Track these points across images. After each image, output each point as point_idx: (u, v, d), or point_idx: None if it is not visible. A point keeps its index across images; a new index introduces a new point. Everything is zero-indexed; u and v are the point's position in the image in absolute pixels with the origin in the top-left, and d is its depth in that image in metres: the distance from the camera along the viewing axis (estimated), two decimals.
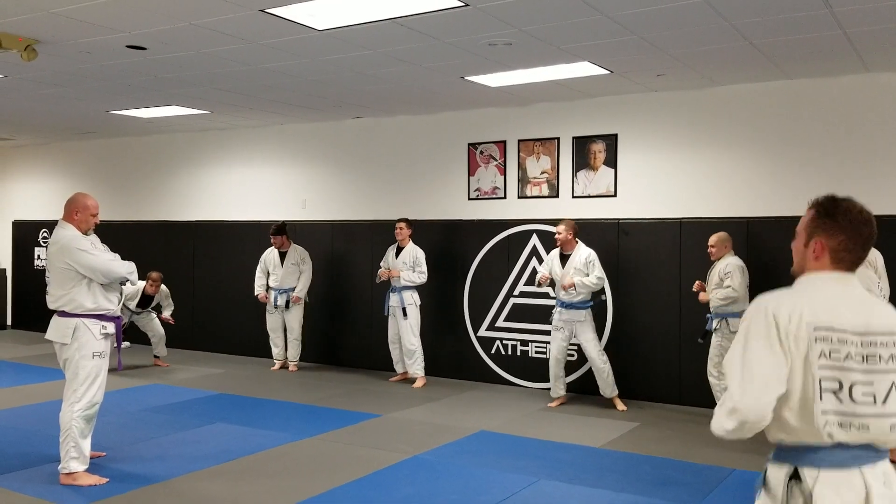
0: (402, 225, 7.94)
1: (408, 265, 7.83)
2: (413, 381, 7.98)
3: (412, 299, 7.87)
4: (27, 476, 4.88)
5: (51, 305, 4.98)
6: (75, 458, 4.69)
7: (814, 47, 5.62)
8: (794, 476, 2.00)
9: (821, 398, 1.95)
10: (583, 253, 6.89)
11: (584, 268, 6.83)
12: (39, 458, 5.27)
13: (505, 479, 4.89)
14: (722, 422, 2.01)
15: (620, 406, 6.88)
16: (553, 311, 7.07)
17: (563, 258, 6.98)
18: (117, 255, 5.07)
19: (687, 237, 7.11)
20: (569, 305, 6.88)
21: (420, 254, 7.88)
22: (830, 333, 1.97)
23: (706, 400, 6.83)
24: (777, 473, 2.04)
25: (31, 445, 5.60)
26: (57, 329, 4.93)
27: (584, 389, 7.40)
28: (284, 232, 8.69)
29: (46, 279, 5.17)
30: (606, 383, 6.90)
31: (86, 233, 5.06)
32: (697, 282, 6.51)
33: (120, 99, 7.90)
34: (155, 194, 10.78)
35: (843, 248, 2.07)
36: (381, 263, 8.10)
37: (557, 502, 4.53)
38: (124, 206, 11.05)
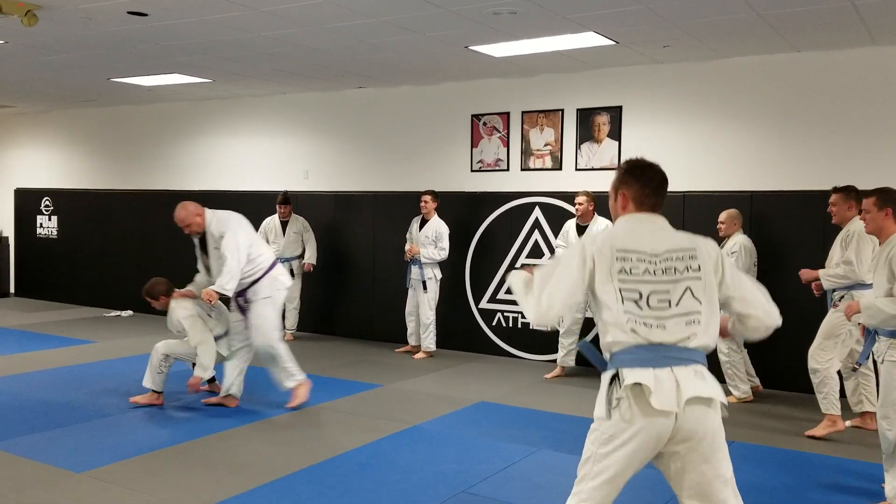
0: (428, 198, 7.78)
1: (430, 239, 7.76)
2: (415, 352, 8.01)
3: (432, 273, 7.81)
4: (31, 441, 4.93)
5: None
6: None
7: (821, 19, 5.56)
8: (616, 377, 2.47)
9: (622, 303, 2.47)
10: (600, 224, 6.86)
11: None
12: (43, 423, 5.32)
13: (505, 449, 4.93)
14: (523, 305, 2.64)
15: None
16: None
17: (580, 229, 6.94)
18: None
19: (690, 211, 7.09)
20: None
21: (444, 228, 7.78)
22: (628, 254, 2.51)
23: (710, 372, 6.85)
24: (605, 377, 2.52)
25: (36, 411, 5.64)
26: None
27: (584, 360, 7.42)
28: (290, 202, 8.68)
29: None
30: None
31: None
32: None
33: (121, 66, 7.85)
34: (156, 163, 10.75)
35: (641, 195, 2.64)
36: (407, 235, 8.01)
37: (557, 472, 4.57)
38: (126, 175, 11.03)
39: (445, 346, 8.30)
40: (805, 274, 5.49)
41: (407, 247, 7.91)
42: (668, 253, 2.54)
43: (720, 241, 6.47)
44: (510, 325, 8.05)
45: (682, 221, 7.11)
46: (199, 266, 6.07)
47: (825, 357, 5.30)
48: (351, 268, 9.05)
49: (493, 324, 8.15)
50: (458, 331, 8.34)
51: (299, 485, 4.28)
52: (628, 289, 2.48)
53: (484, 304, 8.21)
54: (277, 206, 8.65)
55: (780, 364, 6.73)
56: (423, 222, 7.87)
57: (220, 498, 4.04)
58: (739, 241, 6.24)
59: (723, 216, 6.36)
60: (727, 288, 2.60)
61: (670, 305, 2.48)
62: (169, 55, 7.22)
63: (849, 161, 6.48)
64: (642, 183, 2.65)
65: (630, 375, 2.42)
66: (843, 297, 5.23)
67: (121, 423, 5.40)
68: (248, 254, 5.70)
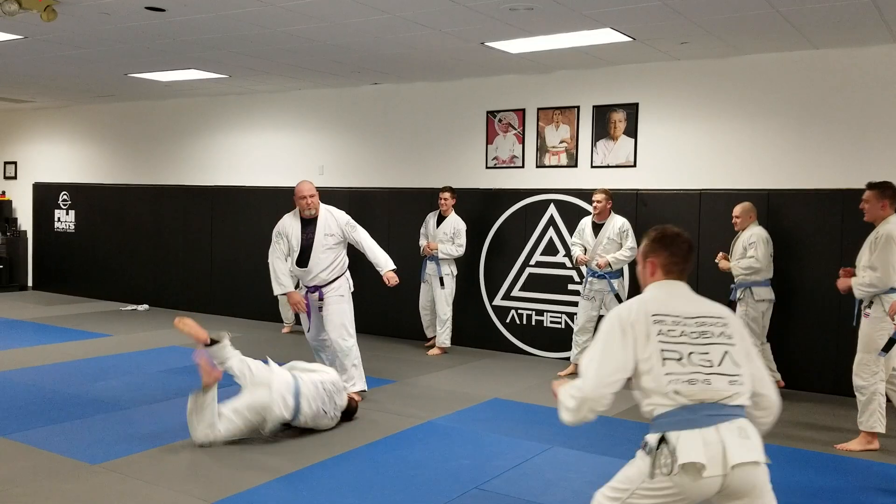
0: (447, 195, 7.78)
1: (448, 235, 7.77)
2: (430, 347, 8.01)
3: (449, 269, 7.82)
4: (48, 433, 4.97)
5: None
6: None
7: (840, 15, 5.50)
8: (662, 441, 2.43)
9: (663, 364, 2.48)
10: (617, 222, 6.83)
11: (618, 237, 6.78)
12: (59, 415, 5.37)
13: (518, 446, 4.93)
14: (565, 404, 2.56)
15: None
16: (584, 281, 7.02)
17: (596, 227, 6.91)
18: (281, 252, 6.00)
19: (706, 209, 7.05)
20: (601, 276, 6.84)
21: (461, 225, 7.78)
22: (664, 317, 2.58)
23: None
24: (651, 440, 2.47)
25: (53, 403, 5.69)
26: None
27: None
28: None
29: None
30: None
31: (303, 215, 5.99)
32: (720, 253, 6.47)
33: (139, 62, 7.89)
34: (173, 158, 10.81)
35: (670, 263, 2.78)
36: (422, 230, 8.03)
37: (570, 469, 4.56)
38: (143, 170, 11.11)
39: (459, 342, 8.30)
40: (841, 284, 5.19)
41: (423, 243, 7.92)
42: (701, 318, 2.62)
43: (733, 234, 6.43)
44: (524, 322, 8.04)
45: (699, 219, 7.07)
46: (280, 256, 5.94)
47: (870, 371, 4.92)
48: (365, 263, 9.05)
49: (507, 321, 8.14)
50: (471, 328, 8.33)
51: (314, 479, 4.29)
52: (669, 349, 2.51)
53: (498, 301, 8.20)
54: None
55: (796, 363, 6.67)
56: (441, 219, 7.87)
57: (234, 491, 4.06)
58: (756, 233, 6.22)
59: (737, 210, 6.34)
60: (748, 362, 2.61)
61: (712, 365, 2.50)
62: (186, 50, 7.25)
63: (867, 159, 6.41)
64: (671, 251, 2.80)
65: (681, 446, 2.38)
66: (871, 303, 4.94)
67: (136, 415, 5.44)
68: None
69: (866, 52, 6.39)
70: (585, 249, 6.93)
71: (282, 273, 5.94)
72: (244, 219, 10.04)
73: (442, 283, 7.79)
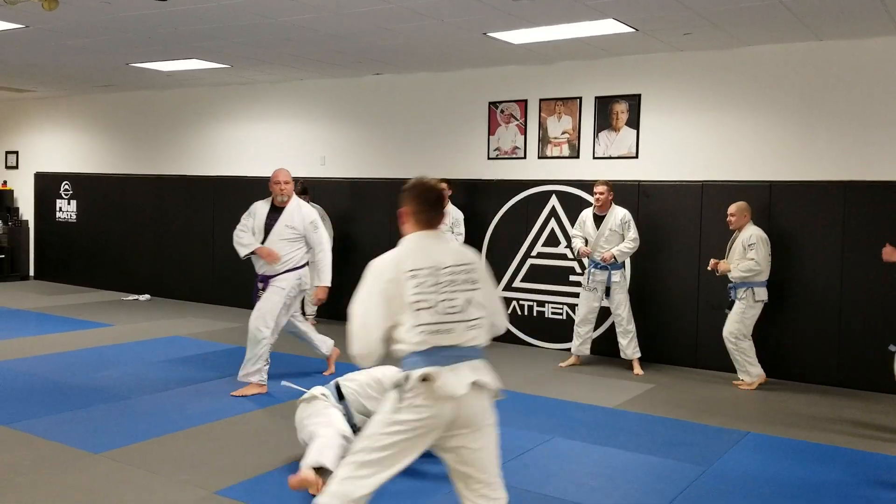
0: (444, 186, 7.81)
1: (446, 226, 7.79)
2: None
3: None
4: (50, 422, 4.99)
5: None
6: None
7: (844, 6, 5.48)
8: (407, 378, 2.70)
9: (416, 315, 2.71)
10: (618, 213, 6.82)
11: (620, 228, 6.77)
12: (62, 405, 5.38)
13: (519, 437, 4.93)
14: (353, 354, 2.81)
15: (638, 370, 6.88)
16: (586, 272, 7.02)
17: (597, 219, 6.90)
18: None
19: (708, 200, 7.04)
20: (603, 267, 6.84)
21: (459, 215, 7.83)
22: (419, 271, 2.75)
23: (722, 363, 6.83)
24: (399, 377, 2.74)
25: (55, 393, 5.71)
26: None
27: (600, 351, 7.41)
28: (308, 192, 8.72)
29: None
30: (632, 344, 6.90)
31: (276, 201, 5.99)
32: (712, 260, 6.44)
33: (140, 51, 7.87)
34: (175, 148, 10.80)
35: (418, 211, 2.89)
36: None
37: (571, 460, 4.57)
38: (144, 160, 11.10)
39: None
40: (888, 253, 4.95)
41: None
42: (451, 266, 2.82)
43: (730, 232, 6.41)
44: (525, 313, 8.04)
45: (701, 211, 7.06)
46: (245, 229, 6.04)
47: None
48: (367, 254, 9.01)
49: (509, 312, 8.14)
50: None
51: None
52: (422, 300, 2.74)
53: (499, 292, 8.20)
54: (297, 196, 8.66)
55: (798, 354, 6.67)
56: None
57: (236, 480, 4.08)
58: (755, 233, 6.20)
59: (732, 209, 6.32)
60: (487, 300, 2.92)
61: (456, 312, 2.77)
62: (187, 40, 7.23)
63: (870, 152, 6.40)
64: (419, 200, 2.93)
65: (423, 379, 2.69)
66: None
67: (138, 405, 5.46)
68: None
69: (870, 44, 6.37)
70: (587, 241, 6.93)
71: (245, 237, 5.98)
72: (246, 209, 10.01)
73: None
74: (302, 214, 5.95)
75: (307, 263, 6.08)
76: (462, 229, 7.80)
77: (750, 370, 6.31)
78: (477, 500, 2.82)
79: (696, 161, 7.16)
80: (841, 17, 5.74)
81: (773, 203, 6.70)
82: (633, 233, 6.76)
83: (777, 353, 6.68)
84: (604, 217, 6.86)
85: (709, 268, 6.47)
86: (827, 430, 5.32)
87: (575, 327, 7.10)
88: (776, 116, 6.80)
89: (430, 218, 2.93)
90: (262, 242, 5.92)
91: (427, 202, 2.93)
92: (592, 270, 6.91)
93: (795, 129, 6.72)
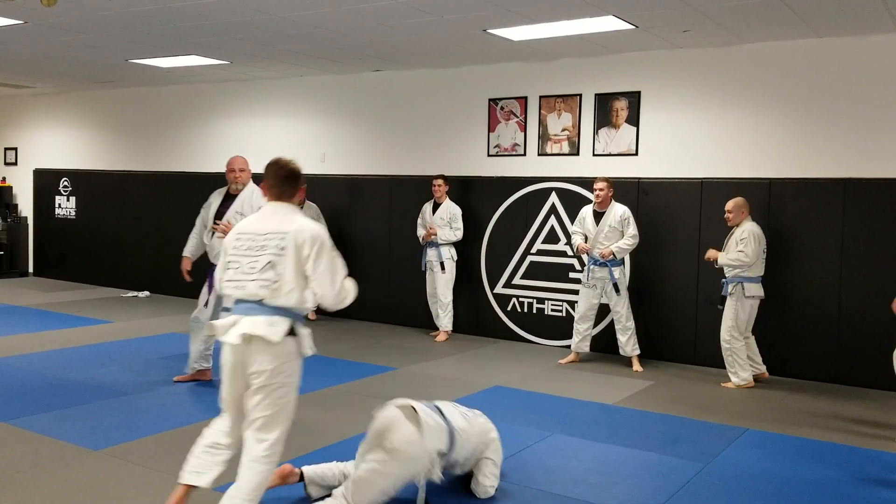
0: (440, 181, 7.91)
1: (445, 221, 7.86)
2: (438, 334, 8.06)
3: (450, 254, 7.91)
4: (49, 419, 4.99)
5: None
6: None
7: (844, 4, 5.47)
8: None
9: (226, 272, 3.37)
10: (618, 210, 6.82)
11: (620, 225, 6.77)
12: (61, 402, 5.38)
13: (518, 433, 4.94)
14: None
15: (637, 366, 6.89)
16: (586, 268, 7.02)
17: (597, 216, 6.90)
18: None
19: (707, 197, 7.04)
20: (602, 264, 6.84)
21: (457, 210, 7.90)
22: (243, 235, 3.38)
23: (721, 360, 6.84)
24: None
25: (54, 389, 5.71)
26: None
27: (599, 348, 7.41)
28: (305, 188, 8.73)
29: None
30: (631, 341, 6.91)
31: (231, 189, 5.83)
32: (711, 249, 6.43)
33: (139, 47, 7.86)
34: (174, 145, 10.79)
35: (268, 185, 3.46)
36: (419, 220, 8.09)
37: (570, 456, 4.58)
38: (143, 157, 11.09)
39: (460, 330, 8.31)
40: None
41: (421, 231, 7.95)
42: (268, 234, 3.31)
43: (729, 229, 6.40)
44: (525, 310, 8.04)
45: (700, 208, 7.06)
46: (197, 226, 6.02)
47: None
48: (367, 250, 9.06)
49: (508, 309, 8.14)
50: (472, 315, 8.34)
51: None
52: (233, 260, 3.36)
53: (499, 290, 8.20)
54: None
55: (796, 352, 6.68)
56: (436, 206, 7.93)
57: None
58: (748, 228, 6.20)
59: (729, 205, 6.31)
60: (308, 270, 3.28)
61: (254, 271, 3.28)
62: (187, 36, 7.22)
63: (870, 149, 6.40)
64: (269, 175, 3.47)
65: (218, 323, 3.35)
66: None
67: (137, 402, 5.46)
68: None
69: (869, 41, 6.36)
70: (586, 238, 6.93)
71: (190, 242, 5.97)
72: None
73: (443, 268, 7.83)
74: (252, 202, 5.65)
75: None
76: (460, 224, 7.84)
77: (739, 372, 6.27)
78: (249, 434, 3.31)
79: (696, 158, 7.16)
80: (841, 14, 5.74)
81: (772, 200, 6.70)
82: (632, 229, 6.76)
83: (775, 350, 6.68)
84: (603, 214, 6.85)
85: (705, 257, 6.46)
86: (826, 427, 5.32)
87: (574, 324, 7.11)
88: (776, 114, 6.79)
89: (280, 192, 3.43)
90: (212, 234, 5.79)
91: (276, 178, 3.43)
92: (592, 267, 6.91)
93: (795, 126, 6.72)
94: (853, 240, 6.44)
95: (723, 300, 6.38)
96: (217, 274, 3.44)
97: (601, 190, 6.81)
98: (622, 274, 6.93)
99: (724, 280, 6.37)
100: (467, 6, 5.80)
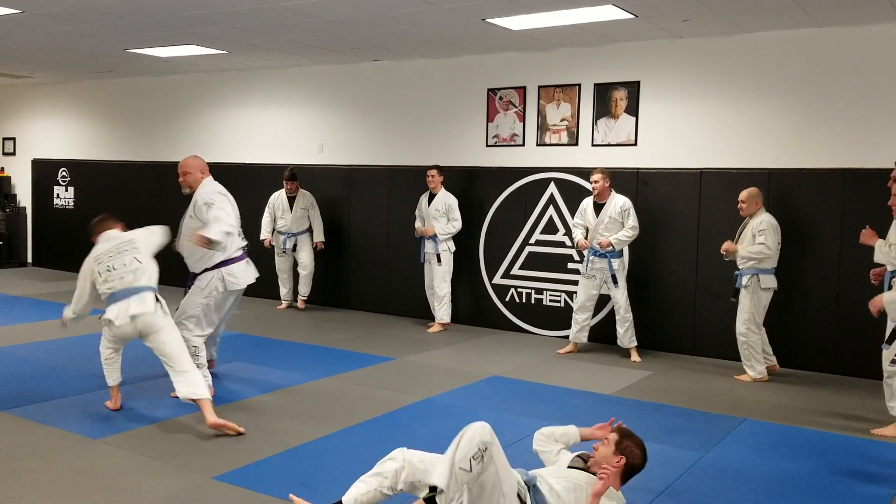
0: (434, 172, 7.85)
1: (441, 212, 7.82)
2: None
3: (447, 246, 7.88)
4: (48, 408, 5.00)
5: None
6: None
7: None
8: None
9: (101, 276, 4.89)
10: (618, 201, 6.80)
11: (619, 216, 6.76)
12: (60, 391, 5.39)
13: (516, 422, 4.95)
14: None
15: (635, 357, 6.90)
16: (585, 259, 7.01)
17: (597, 206, 6.89)
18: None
19: (707, 188, 7.03)
20: (602, 255, 6.84)
21: (452, 200, 7.85)
22: (102, 255, 4.94)
23: (719, 350, 6.86)
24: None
25: (53, 379, 5.72)
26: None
27: (597, 338, 7.43)
28: (297, 177, 8.75)
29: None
30: (629, 333, 6.92)
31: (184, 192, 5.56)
32: (727, 241, 6.31)
33: (137, 37, 7.83)
34: (172, 135, 10.77)
35: (104, 222, 5.25)
36: (416, 212, 8.08)
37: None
38: (142, 147, 11.06)
39: (458, 320, 8.32)
40: (866, 237, 5.07)
41: (419, 224, 7.96)
42: (119, 244, 4.96)
43: (734, 220, 6.37)
44: (523, 300, 8.05)
45: (699, 198, 7.06)
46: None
47: None
48: (365, 240, 9.07)
49: (507, 299, 8.15)
50: (471, 306, 8.35)
51: (313, 454, 4.32)
52: (103, 269, 4.87)
53: (498, 280, 8.20)
54: (284, 182, 8.73)
55: (796, 343, 6.68)
56: (431, 197, 7.91)
57: (234, 466, 4.09)
58: (765, 220, 6.11)
59: (743, 195, 6.25)
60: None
61: (125, 266, 4.85)
62: (185, 26, 7.20)
63: (870, 139, 6.39)
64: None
65: (108, 311, 4.82)
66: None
67: (137, 391, 5.46)
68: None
69: (870, 31, 6.34)
70: (587, 230, 6.92)
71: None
72: (243, 196, 9.93)
73: (439, 260, 7.82)
74: (202, 196, 5.27)
75: (238, 259, 5.35)
76: (457, 214, 7.82)
77: (755, 366, 6.18)
78: (173, 374, 4.69)
79: (695, 148, 7.15)
80: (841, 3, 5.72)
81: (772, 190, 6.69)
82: (632, 221, 6.75)
83: (775, 341, 6.68)
84: (604, 205, 6.85)
85: (722, 249, 6.32)
86: (824, 417, 5.34)
87: (574, 314, 7.12)
88: (775, 104, 6.78)
89: (115, 224, 5.20)
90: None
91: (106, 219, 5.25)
92: (591, 258, 6.91)
93: (795, 116, 6.71)
94: (853, 230, 6.44)
95: (736, 293, 6.31)
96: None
97: (597, 181, 6.80)
98: (621, 265, 6.93)
99: (737, 272, 6.25)
100: None
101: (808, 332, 6.66)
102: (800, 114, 6.68)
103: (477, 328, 8.18)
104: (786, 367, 6.65)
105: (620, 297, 6.86)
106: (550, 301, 7.87)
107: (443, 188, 7.91)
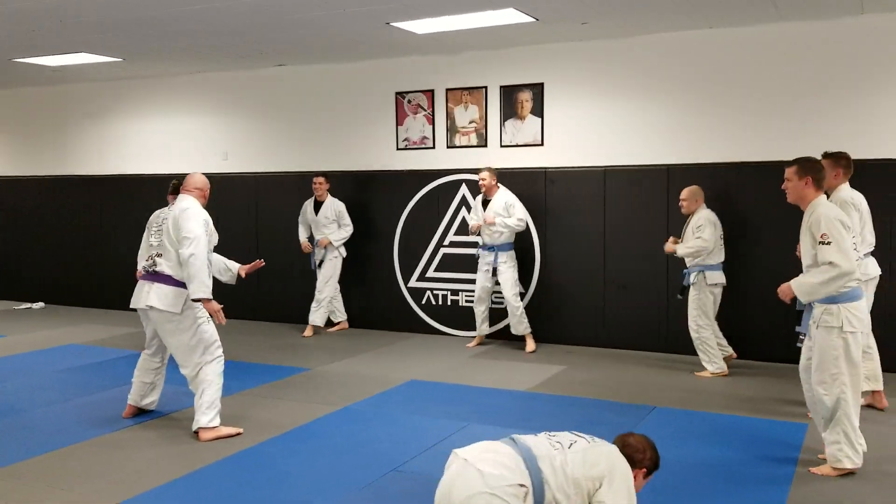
0: (321, 179, 7.94)
1: (330, 219, 7.90)
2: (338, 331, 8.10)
3: (338, 252, 7.98)
4: None
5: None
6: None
7: None
8: None
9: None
10: (502, 197, 7.11)
11: (504, 211, 7.06)
12: None
13: (435, 425, 4.94)
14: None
15: (531, 346, 7.16)
16: (478, 254, 7.33)
17: (485, 203, 7.20)
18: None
19: (611, 185, 7.22)
20: (491, 248, 7.12)
21: (341, 206, 7.98)
22: (151, 222, 5.28)
23: (628, 341, 7.06)
24: None
25: None
26: (166, 297, 4.73)
27: (512, 337, 7.50)
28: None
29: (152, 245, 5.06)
30: (519, 321, 7.21)
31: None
32: (671, 237, 6.42)
33: (24, 46, 7.44)
34: (67, 147, 10.27)
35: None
36: (299, 219, 8.13)
37: None
38: (34, 161, 10.52)
39: (376, 326, 8.27)
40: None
41: (305, 236, 8.05)
42: (161, 221, 5.02)
43: (684, 218, 6.49)
44: (440, 302, 8.06)
45: (604, 195, 7.24)
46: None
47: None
48: (272, 249, 8.87)
49: (423, 302, 8.14)
50: (387, 310, 8.30)
51: (225, 473, 4.18)
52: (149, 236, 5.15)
53: (413, 283, 8.18)
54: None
55: (749, 334, 6.76)
56: (318, 204, 7.97)
57: (137, 492, 3.92)
58: (704, 216, 6.23)
59: (684, 193, 6.34)
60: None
61: (154, 246, 4.93)
62: (74, 34, 6.88)
63: (760, 134, 6.69)
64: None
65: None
66: None
67: (34, 418, 5.18)
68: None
69: (756, 31, 6.64)
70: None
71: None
72: (144, 208, 9.60)
73: (320, 265, 7.96)
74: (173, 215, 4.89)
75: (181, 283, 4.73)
76: (348, 220, 7.99)
77: (714, 361, 6.24)
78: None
79: (599, 147, 7.32)
80: (730, 4, 5.96)
81: (670, 185, 6.91)
82: (519, 213, 7.07)
83: (730, 334, 6.65)
84: (490, 201, 7.14)
85: (665, 249, 6.38)
86: (735, 403, 5.54)
87: (474, 306, 7.42)
88: (671, 101, 7.02)
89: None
90: None
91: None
92: (482, 252, 7.26)
93: (689, 113, 6.96)
94: (749, 217, 6.73)
95: (684, 290, 6.40)
96: None
97: (484, 179, 7.12)
98: (509, 259, 7.16)
99: (685, 270, 6.36)
100: None
101: (761, 323, 6.68)
102: (693, 110, 6.94)
103: (393, 333, 8.14)
104: (745, 358, 6.70)
105: (506, 290, 7.12)
106: (466, 301, 7.90)
107: (329, 195, 7.94)
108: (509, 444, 3.01)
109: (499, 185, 7.18)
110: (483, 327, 7.41)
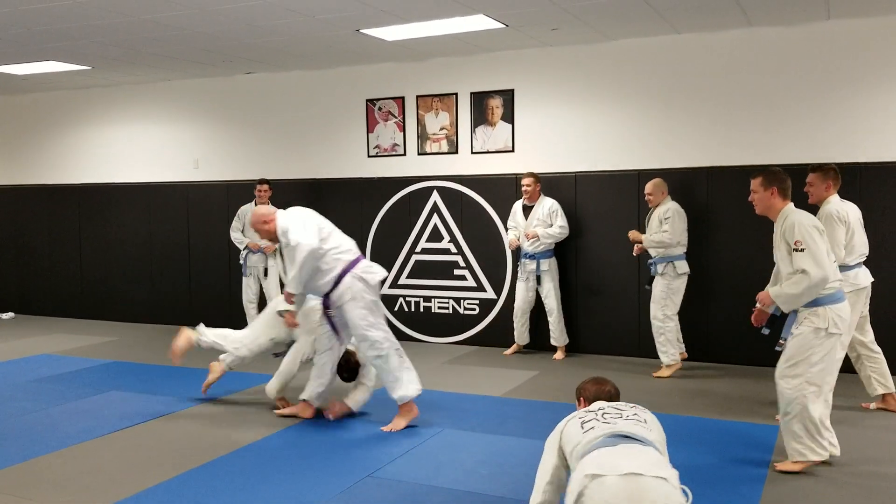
0: (265, 187, 7.87)
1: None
2: None
3: (276, 260, 7.97)
4: None
5: None
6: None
7: (700, 2, 5.80)
8: None
9: None
10: (546, 203, 7.04)
11: (548, 218, 6.99)
12: None
13: (408, 432, 4.95)
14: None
15: (560, 355, 7.14)
16: (519, 263, 7.23)
17: (526, 210, 7.10)
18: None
19: (581, 190, 7.29)
20: (532, 256, 7.04)
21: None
22: None
23: (601, 346, 7.12)
24: None
25: None
26: None
27: (484, 342, 7.54)
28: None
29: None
30: (562, 331, 7.17)
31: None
32: (633, 230, 6.55)
33: None
34: (36, 156, 10.15)
35: None
36: (234, 223, 8.07)
37: (461, 450, 4.63)
38: (2, 170, 10.37)
39: None
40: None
41: (244, 239, 7.98)
42: None
43: (650, 211, 6.59)
44: (412, 309, 8.07)
45: (575, 200, 7.31)
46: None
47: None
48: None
49: (395, 309, 8.15)
50: None
51: (200, 480, 4.16)
52: None
53: (385, 290, 8.18)
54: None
55: (715, 337, 6.85)
56: None
57: (115, 499, 3.88)
58: (671, 207, 6.34)
59: (649, 187, 6.46)
60: None
61: None
62: (42, 41, 6.81)
63: (727, 139, 6.80)
64: None
65: None
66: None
67: (6, 428, 5.10)
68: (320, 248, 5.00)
69: (724, 36, 6.76)
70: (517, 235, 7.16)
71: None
72: (114, 217, 9.57)
73: (266, 274, 7.92)
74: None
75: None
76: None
77: (668, 350, 6.31)
78: None
79: (569, 153, 7.39)
80: (698, 10, 6.06)
81: (640, 189, 6.99)
82: (560, 220, 7.00)
83: (689, 334, 6.78)
84: (532, 207, 7.06)
85: (630, 238, 6.48)
86: (704, 405, 5.61)
87: (515, 318, 7.30)
88: (641, 107, 7.11)
89: None
90: None
91: None
92: (523, 260, 7.13)
93: (660, 119, 7.05)
94: (718, 222, 6.83)
95: (651, 280, 6.47)
96: None
97: (528, 185, 7.03)
98: (552, 266, 7.10)
99: (650, 262, 6.44)
100: (338, 6, 5.75)
101: (721, 324, 6.81)
102: (664, 116, 7.03)
103: None
104: (698, 360, 6.82)
105: (550, 299, 7.06)
106: (439, 308, 7.93)
107: (269, 203, 7.90)
108: (636, 444, 2.96)
109: (540, 191, 7.09)
110: (524, 338, 7.29)
